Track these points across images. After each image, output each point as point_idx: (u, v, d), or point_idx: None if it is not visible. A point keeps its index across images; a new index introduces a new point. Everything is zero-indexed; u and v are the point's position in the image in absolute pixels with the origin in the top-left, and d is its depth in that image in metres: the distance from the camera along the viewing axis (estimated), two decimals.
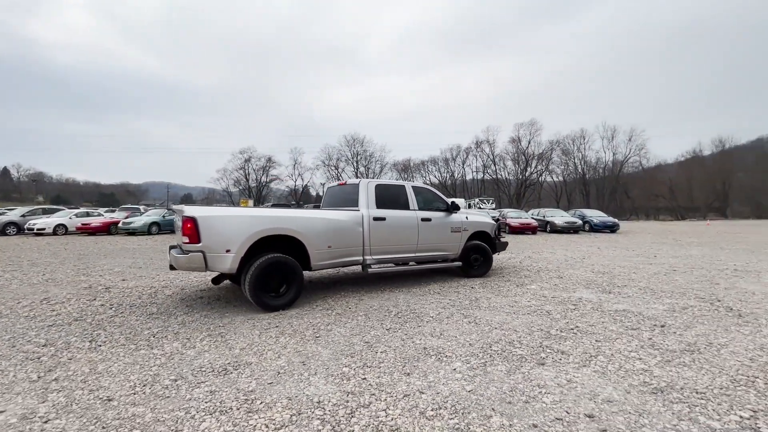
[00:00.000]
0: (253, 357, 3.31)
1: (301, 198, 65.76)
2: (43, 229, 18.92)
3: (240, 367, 3.09)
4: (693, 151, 66.49)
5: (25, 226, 19.55)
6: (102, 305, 5.07)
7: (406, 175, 73.43)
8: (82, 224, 19.77)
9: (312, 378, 2.90)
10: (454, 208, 6.80)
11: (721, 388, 2.71)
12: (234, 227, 4.63)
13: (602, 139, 63.44)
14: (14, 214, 21.76)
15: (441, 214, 6.65)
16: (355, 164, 68.23)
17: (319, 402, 2.54)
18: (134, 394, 2.66)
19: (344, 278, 7.06)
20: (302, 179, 69.06)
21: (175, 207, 5.33)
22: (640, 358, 3.24)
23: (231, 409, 2.46)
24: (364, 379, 2.88)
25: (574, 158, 64.40)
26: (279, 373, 3.00)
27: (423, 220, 6.31)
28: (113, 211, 26.50)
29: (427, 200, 6.63)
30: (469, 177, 72.12)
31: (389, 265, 6.12)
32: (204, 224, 4.47)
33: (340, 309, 4.85)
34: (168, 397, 2.62)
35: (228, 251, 4.54)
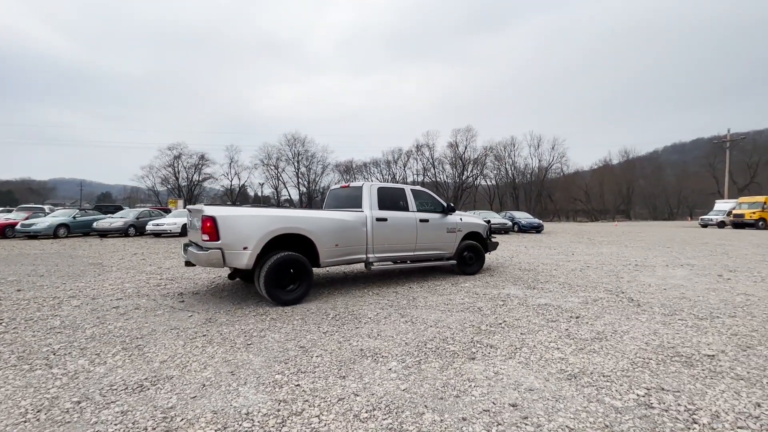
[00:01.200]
0: (175, 370, 3.04)
1: (237, 198, 62.48)
2: None
3: (159, 382, 2.82)
4: (604, 160, 74.96)
5: None
6: None
7: (348, 177, 73.22)
8: None
9: (241, 388, 2.74)
10: (449, 210, 7.21)
11: (622, 371, 3.04)
12: (251, 226, 4.94)
13: (530, 146, 68.83)
14: None
15: (438, 215, 7.05)
16: (296, 164, 66.60)
17: (247, 413, 2.40)
18: (25, 422, 2.30)
19: None
20: (239, 178, 65.76)
21: (192, 207, 5.46)
22: (558, 348, 3.54)
23: (146, 429, 2.23)
24: (298, 385, 2.79)
25: (505, 164, 69.02)
26: (204, 385, 2.79)
27: (421, 221, 6.70)
28: (10, 212, 23.00)
29: (424, 202, 7.05)
30: (410, 179, 73.90)
31: (389, 263, 6.59)
32: (223, 223, 4.77)
33: (275, 314, 4.66)
34: (68, 422, 2.30)
35: (245, 248, 4.84)
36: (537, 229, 24.04)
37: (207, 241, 4.74)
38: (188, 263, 5.51)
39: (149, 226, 18.04)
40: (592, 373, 2.99)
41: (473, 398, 2.60)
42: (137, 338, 3.77)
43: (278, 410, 2.44)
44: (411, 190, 6.93)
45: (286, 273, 5.09)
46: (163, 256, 10.70)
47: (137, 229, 18.90)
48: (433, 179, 70.69)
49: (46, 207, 25.47)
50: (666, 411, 2.44)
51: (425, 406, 2.50)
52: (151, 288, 6.23)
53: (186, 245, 5.65)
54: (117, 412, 2.41)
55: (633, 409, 2.47)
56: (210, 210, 4.80)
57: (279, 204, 62.93)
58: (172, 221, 18.25)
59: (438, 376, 2.95)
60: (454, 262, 7.30)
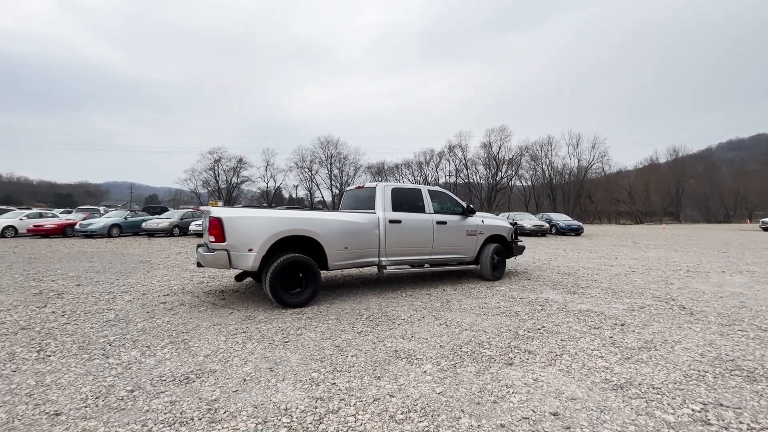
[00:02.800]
0: (217, 364, 3.18)
1: (273, 200, 64.49)
2: None
3: (203, 375, 2.96)
4: (650, 159, 70.54)
5: None
6: (53, 312, 4.74)
7: (380, 178, 73.60)
8: (34, 226, 18.49)
9: (280, 384, 2.82)
10: (469, 211, 6.95)
11: (674, 383, 2.85)
12: (256, 227, 4.90)
13: (568, 145, 66.18)
14: None
15: (456, 217, 6.79)
16: (329, 166, 67.69)
17: (286, 409, 2.47)
18: (86, 407, 2.49)
19: None
20: (275, 181, 67.73)
21: (203, 208, 5.49)
22: (602, 356, 3.37)
23: (192, 419, 2.34)
24: (334, 384, 2.83)
25: (542, 164, 66.71)
26: (245, 380, 2.89)
27: (438, 223, 6.44)
28: (70, 212, 24.98)
29: (442, 203, 6.83)
30: (442, 180, 73.18)
31: (404, 266, 6.33)
32: (229, 224, 4.77)
33: (311, 313, 4.76)
34: (123, 409, 2.46)
35: (251, 250, 4.81)
36: (576, 231, 23.08)
37: (213, 242, 4.76)
38: (199, 264, 5.49)
39: (192, 227, 18.98)
40: (640, 385, 2.82)
41: (512, 405, 2.53)
42: (183, 333, 3.98)
43: (315, 407, 2.49)
44: (428, 190, 6.68)
45: (293, 275, 5.03)
46: None
47: (181, 230, 19.95)
48: (466, 180, 69.61)
49: (101, 208, 27.45)
50: (725, 429, 2.26)
51: (462, 410, 2.46)
52: (195, 285, 6.55)
53: (199, 246, 5.70)
54: (166, 402, 2.55)
55: (687, 424, 2.30)
56: (217, 211, 4.84)
57: (312, 206, 64.27)
58: None
59: (474, 380, 2.89)
60: (475, 266, 7.05)
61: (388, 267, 6.00)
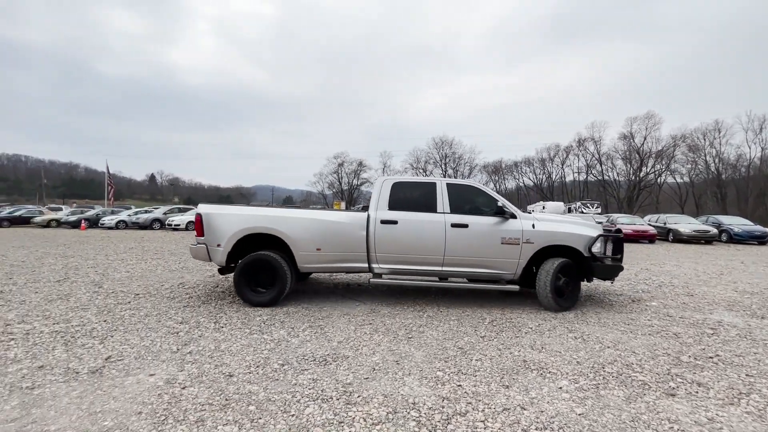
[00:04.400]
0: (349, 351, 3.45)
1: None
2: (179, 225, 22.58)
3: (338, 360, 3.25)
4: None
5: (166, 222, 23.57)
6: (223, 292, 5.81)
7: (497, 177, 70.36)
8: None
9: (406, 378, 2.91)
10: (502, 212, 5.04)
11: None
12: (224, 224, 5.00)
13: (745, 131, 52.24)
14: (158, 212, 26.37)
15: (488, 219, 5.06)
16: (443, 166, 67.43)
17: (414, 403, 2.53)
18: (249, 373, 2.97)
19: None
20: None
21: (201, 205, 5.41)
22: None
23: (331, 398, 2.59)
24: (459, 386, 2.79)
25: (704, 155, 54.35)
26: (374, 369, 3.07)
27: (454, 225, 5.02)
28: None
29: (467, 201, 5.24)
30: (569, 178, 66.00)
31: (408, 277, 5.30)
32: (205, 220, 5.02)
33: (431, 312, 4.81)
34: (277, 379, 2.86)
35: (219, 246, 4.98)
36: (760, 239, 18.22)
37: (196, 236, 5.08)
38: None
39: None
40: None
41: None
42: (319, 319, 4.44)
43: (442, 407, 2.49)
44: (447, 184, 5.30)
45: (260, 274, 4.93)
46: None
47: None
48: (599, 177, 61.33)
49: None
50: None
51: None
52: (325, 277, 7.25)
53: None
54: (309, 379, 2.87)
55: None
56: (200, 207, 5.12)
57: None
58: (179, 219, 21.49)
59: (623, 407, 2.51)
60: (515, 287, 5.11)
61: (384, 276, 5.17)
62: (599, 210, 33.18)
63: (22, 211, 27.85)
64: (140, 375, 2.90)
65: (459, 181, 5.60)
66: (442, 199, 5.18)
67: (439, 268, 5.12)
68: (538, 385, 2.82)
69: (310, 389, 2.71)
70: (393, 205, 5.16)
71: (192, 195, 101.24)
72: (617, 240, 5.25)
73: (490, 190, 5.39)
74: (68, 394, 2.59)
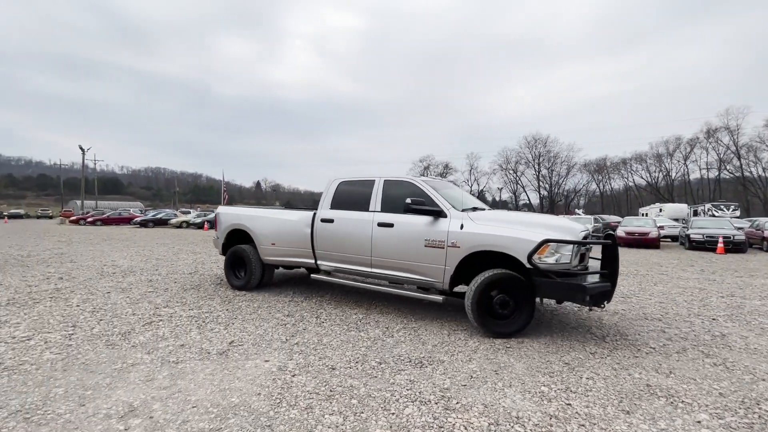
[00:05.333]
0: (444, 355, 3.40)
1: None
2: None
3: (434, 363, 3.23)
4: None
5: None
6: (321, 288, 6.22)
7: (600, 177, 63.45)
8: None
9: (507, 390, 2.76)
10: (433, 210, 4.37)
11: None
12: (222, 221, 6.40)
13: None
14: None
15: (418, 218, 4.46)
16: (536, 167, 63.16)
17: (518, 417, 2.38)
18: (350, 368, 3.12)
19: None
20: (478, 184, 68.57)
21: (219, 207, 7.18)
22: None
23: (429, 401, 2.58)
24: (569, 404, 2.55)
25: None
26: (471, 376, 2.98)
27: (380, 225, 4.67)
28: None
29: (401, 199, 4.63)
30: (694, 176, 56.43)
31: (346, 275, 5.26)
32: (216, 218, 6.56)
33: (532, 321, 4.50)
34: (375, 377, 2.96)
35: (218, 238, 6.49)
36: None
37: (215, 230, 6.63)
38: None
39: None
40: None
41: None
42: (412, 321, 4.47)
43: (550, 425, 2.30)
44: (385, 181, 4.93)
45: (237, 263, 6.11)
46: None
47: None
48: (735, 174, 51.17)
49: None
50: None
51: None
52: None
53: None
54: (407, 380, 2.90)
55: None
56: (218, 209, 6.74)
57: (517, 208, 61.48)
58: None
59: None
60: (438, 299, 4.37)
61: (332, 274, 5.31)
62: (737, 213, 27.69)
63: (162, 214, 33.59)
64: (257, 360, 3.24)
65: (397, 177, 4.99)
66: (376, 197, 4.93)
67: (369, 269, 4.85)
68: (668, 414, 2.44)
69: (407, 390, 2.74)
70: (336, 204, 5.23)
71: (291, 199, 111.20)
72: (607, 249, 3.91)
73: (427, 185, 4.71)
74: (203, 371, 3.01)
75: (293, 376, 2.95)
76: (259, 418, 2.35)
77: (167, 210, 40.81)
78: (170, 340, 3.71)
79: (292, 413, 2.40)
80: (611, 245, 3.89)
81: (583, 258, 4.20)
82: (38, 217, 56.97)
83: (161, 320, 4.34)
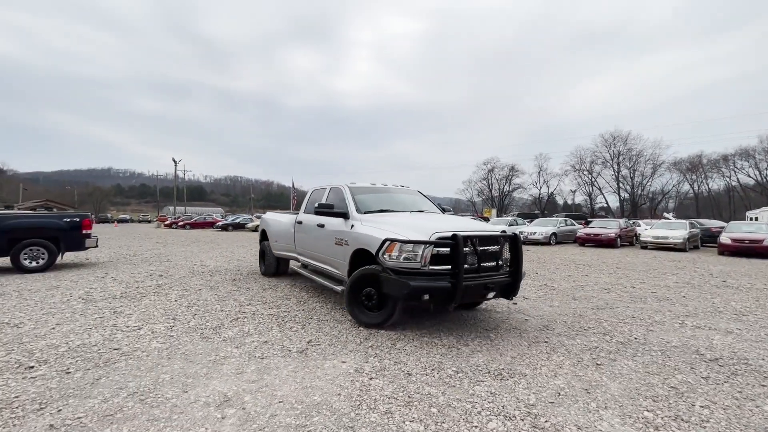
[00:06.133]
0: (526, 368, 3.19)
1: (545, 207, 61.53)
2: None
3: (515, 376, 3.04)
4: None
5: None
6: None
7: (694, 176, 56.21)
8: None
9: (602, 412, 2.50)
10: (341, 213, 5.08)
11: None
12: (260, 225, 8.29)
13: None
14: None
15: (335, 220, 5.21)
16: (615, 167, 57.59)
17: None
18: (426, 374, 3.06)
19: (617, 299, 5.94)
20: (548, 187, 64.35)
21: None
22: None
23: (515, 417, 2.42)
24: None
25: None
26: (559, 394, 2.75)
27: (318, 225, 5.62)
28: None
29: (337, 202, 5.39)
30: None
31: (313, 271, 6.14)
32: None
33: (621, 337, 4.07)
34: (453, 386, 2.86)
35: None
36: None
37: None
38: None
39: None
40: None
41: None
42: (487, 330, 4.28)
43: None
44: (330, 188, 5.91)
45: (263, 256, 7.90)
46: None
47: None
48: None
49: None
50: None
51: None
52: None
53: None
54: (487, 392, 2.77)
55: None
56: (264, 215, 8.27)
57: (593, 213, 56.69)
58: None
59: None
60: (338, 288, 4.85)
61: (308, 267, 6.27)
62: None
63: (239, 218, 36.53)
64: (335, 360, 3.32)
65: (337, 184, 5.79)
66: (310, 200, 6.33)
67: (320, 264, 5.67)
68: None
69: (489, 402, 2.61)
70: (309, 208, 6.13)
71: None
72: (451, 247, 3.83)
73: (348, 191, 5.39)
74: (285, 367, 3.16)
75: (370, 379, 2.96)
76: (341, 418, 2.39)
77: (244, 215, 44.26)
78: (254, 336, 3.96)
79: (372, 416, 2.41)
80: (455, 245, 3.79)
81: (494, 257, 4.19)
82: (140, 222, 65.19)
83: (246, 317, 4.66)
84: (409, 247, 3.89)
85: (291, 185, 45.07)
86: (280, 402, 2.58)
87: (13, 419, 2.34)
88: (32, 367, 3.10)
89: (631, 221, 23.64)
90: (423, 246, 3.86)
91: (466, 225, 4.50)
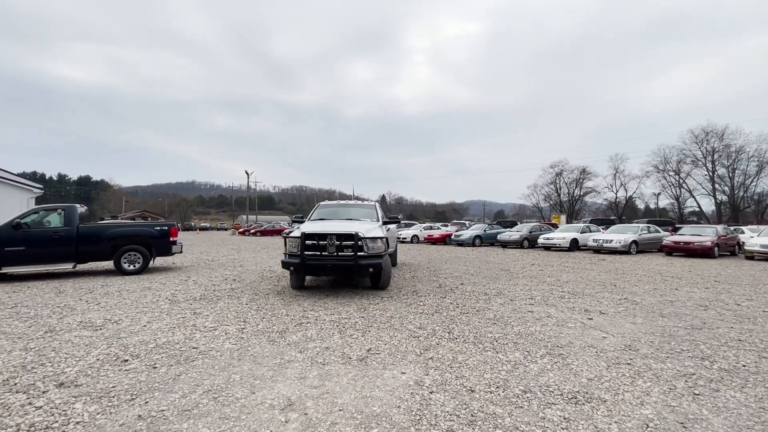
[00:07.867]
0: (605, 393, 2.87)
1: (623, 212, 56.05)
2: (405, 238, 25.67)
3: (592, 401, 2.74)
4: None
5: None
6: (451, 303, 6.07)
7: None
8: (428, 235, 25.35)
9: None
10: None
11: None
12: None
13: None
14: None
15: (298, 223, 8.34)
16: (709, 165, 50.63)
17: None
18: (490, 392, 2.88)
19: (717, 318, 5.15)
20: (626, 190, 58.46)
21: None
22: None
23: None
24: None
25: None
26: (648, 426, 2.42)
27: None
28: (446, 226, 32.40)
29: (314, 215, 8.58)
30: None
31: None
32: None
33: (725, 363, 3.50)
34: (521, 407, 2.65)
35: None
36: None
37: None
38: None
39: (540, 240, 19.60)
40: None
41: None
42: (556, 346, 3.95)
43: None
44: (320, 204, 9.22)
45: None
46: (557, 269, 11.14)
47: (530, 242, 21.07)
48: None
49: (467, 222, 33.87)
50: None
51: None
52: (556, 299, 6.52)
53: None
54: (560, 417, 2.52)
55: None
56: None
57: (682, 218, 50.45)
58: (561, 235, 18.92)
59: None
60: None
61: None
62: None
63: None
64: (394, 371, 3.28)
65: (326, 203, 9.19)
66: (313, 215, 8.51)
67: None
68: None
69: (562, 429, 2.37)
70: (312, 219, 8.21)
71: (413, 212, 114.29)
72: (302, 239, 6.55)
73: (317, 206, 9.03)
74: (346, 375, 3.18)
75: (431, 393, 2.87)
76: None
77: None
78: (317, 341, 4.06)
79: None
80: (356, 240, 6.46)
81: (337, 248, 6.50)
82: (218, 229, 71.51)
83: (308, 322, 4.81)
84: (293, 239, 6.67)
85: (352, 193, 46.56)
86: (340, 410, 2.59)
87: (109, 407, 2.62)
88: (126, 360, 3.48)
89: (732, 227, 20.59)
90: (297, 239, 6.56)
91: (333, 227, 6.83)
